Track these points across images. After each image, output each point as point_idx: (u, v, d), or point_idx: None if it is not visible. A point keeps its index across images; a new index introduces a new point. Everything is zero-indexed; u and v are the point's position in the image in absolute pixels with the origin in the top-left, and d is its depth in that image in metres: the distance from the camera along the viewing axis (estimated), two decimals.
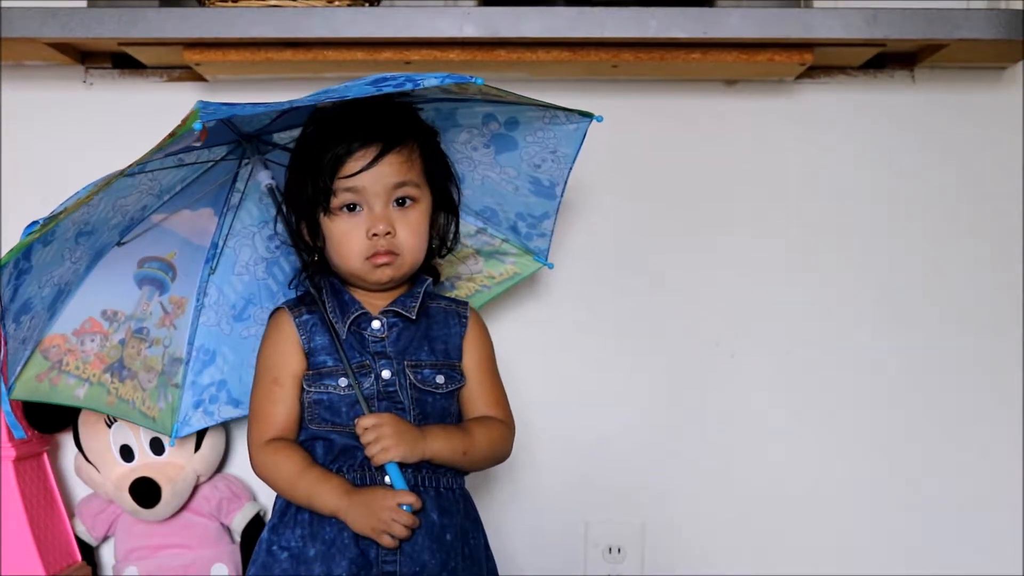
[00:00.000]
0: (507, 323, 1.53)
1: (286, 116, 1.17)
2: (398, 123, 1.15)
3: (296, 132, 1.21)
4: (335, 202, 1.14)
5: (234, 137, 1.21)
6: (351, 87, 1.04)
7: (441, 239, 1.22)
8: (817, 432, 1.56)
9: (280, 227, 1.23)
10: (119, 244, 1.25)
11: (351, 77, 1.11)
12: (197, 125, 0.96)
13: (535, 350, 1.55)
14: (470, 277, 1.41)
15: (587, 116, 1.21)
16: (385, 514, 1.09)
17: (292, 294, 1.28)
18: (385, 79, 1.04)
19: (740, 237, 1.55)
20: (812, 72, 1.51)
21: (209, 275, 1.33)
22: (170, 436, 1.36)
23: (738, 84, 1.54)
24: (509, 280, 1.41)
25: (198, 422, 1.37)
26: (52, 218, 1.08)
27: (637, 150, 1.55)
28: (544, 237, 1.37)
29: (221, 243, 1.32)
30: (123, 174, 1.07)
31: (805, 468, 1.56)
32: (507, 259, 1.40)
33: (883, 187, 1.55)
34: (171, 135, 1.01)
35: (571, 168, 1.27)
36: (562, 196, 1.31)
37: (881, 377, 1.55)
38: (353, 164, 1.12)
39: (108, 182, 1.07)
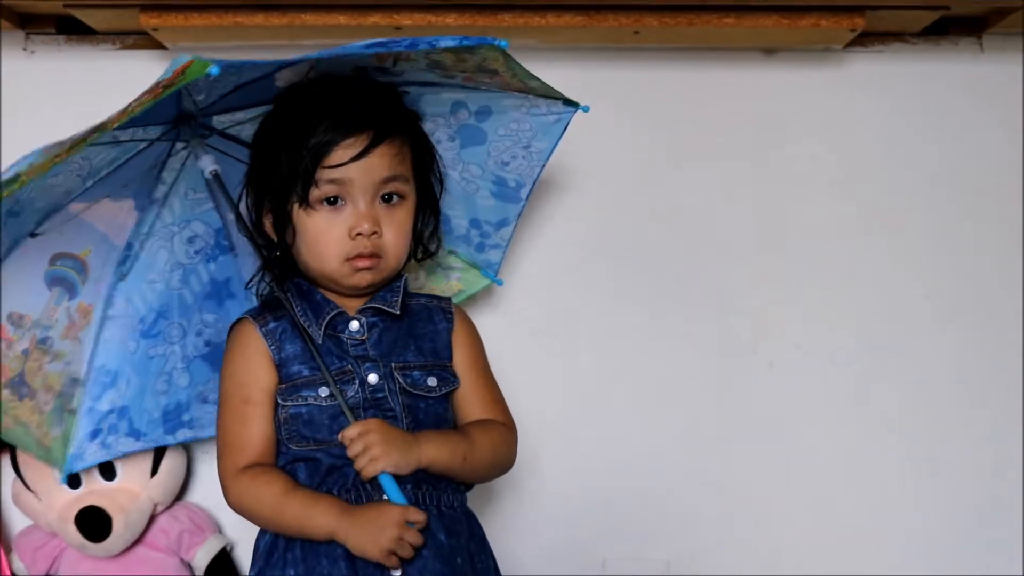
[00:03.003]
0: (513, 330, 1.48)
1: (234, 95, 1.13)
2: (390, 110, 1.12)
3: (239, 115, 1.18)
4: (315, 194, 1.09)
5: (172, 115, 1.16)
6: (351, 45, 1.01)
7: (417, 241, 1.20)
8: (868, 451, 1.50)
9: (225, 222, 1.19)
10: (32, 235, 1.17)
11: (332, 45, 1.06)
12: (214, 69, 0.92)
13: (545, 361, 1.50)
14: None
15: (572, 105, 1.19)
16: (393, 531, 1.03)
17: (209, 307, 1.27)
18: (390, 40, 1.01)
19: (780, 229, 1.51)
20: (864, 39, 1.48)
21: (118, 281, 1.27)
22: (61, 472, 1.30)
23: (779, 53, 1.51)
24: (453, 298, 1.39)
25: (93, 456, 1.31)
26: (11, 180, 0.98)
27: (662, 129, 1.50)
28: (498, 248, 1.35)
29: (137, 244, 1.26)
30: (106, 129, 0.97)
31: (854, 494, 1.50)
32: (452, 274, 1.37)
33: (946, 170, 1.51)
34: (179, 78, 0.95)
35: (542, 168, 1.26)
36: (527, 200, 1.30)
37: (933, 388, 1.50)
38: (341, 153, 1.08)
39: (76, 143, 0.97)
